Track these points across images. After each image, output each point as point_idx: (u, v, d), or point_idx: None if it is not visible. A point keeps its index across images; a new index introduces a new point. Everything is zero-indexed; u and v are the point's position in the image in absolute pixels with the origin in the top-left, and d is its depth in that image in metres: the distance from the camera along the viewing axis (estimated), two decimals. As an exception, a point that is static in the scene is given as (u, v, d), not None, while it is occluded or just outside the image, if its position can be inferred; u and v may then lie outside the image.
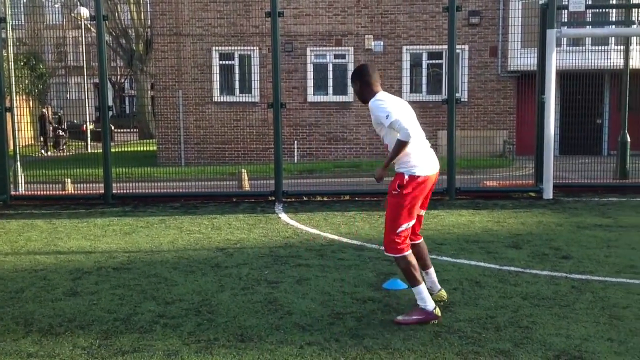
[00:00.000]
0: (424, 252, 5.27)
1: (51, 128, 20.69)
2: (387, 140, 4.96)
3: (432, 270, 5.30)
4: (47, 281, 6.17)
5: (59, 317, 5.08)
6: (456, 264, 6.60)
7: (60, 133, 20.73)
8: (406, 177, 4.81)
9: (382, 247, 5.00)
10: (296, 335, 4.60)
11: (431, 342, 4.44)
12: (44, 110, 19.82)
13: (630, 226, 8.55)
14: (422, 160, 4.88)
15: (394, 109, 4.81)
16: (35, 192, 11.98)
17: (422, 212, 5.21)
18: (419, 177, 4.83)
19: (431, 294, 5.05)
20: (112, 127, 17.23)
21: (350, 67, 20.13)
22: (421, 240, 5.28)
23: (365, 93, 5.02)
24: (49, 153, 18.90)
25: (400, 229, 4.82)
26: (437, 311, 4.82)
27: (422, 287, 4.85)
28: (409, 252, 4.86)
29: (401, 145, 4.73)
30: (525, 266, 6.48)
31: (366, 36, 20.47)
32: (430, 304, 4.81)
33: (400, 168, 4.86)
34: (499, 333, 4.60)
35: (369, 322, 4.85)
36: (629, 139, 13.97)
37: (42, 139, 19.27)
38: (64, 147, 20.41)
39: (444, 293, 5.31)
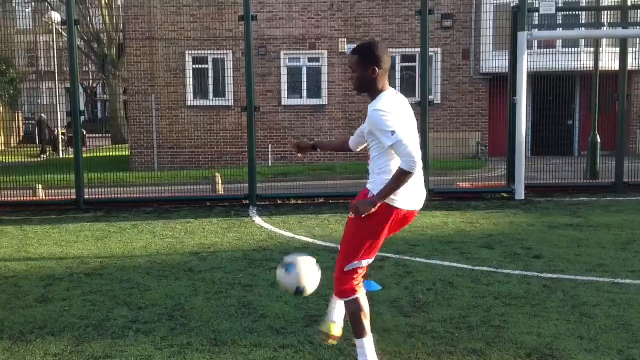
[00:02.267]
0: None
1: (47, 132, 20.56)
2: (374, 153, 3.87)
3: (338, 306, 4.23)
4: (17, 288, 6.10)
5: (30, 324, 5.02)
6: (429, 265, 6.64)
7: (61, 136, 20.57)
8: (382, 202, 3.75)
9: (335, 295, 4.06)
10: (270, 338, 4.59)
11: (404, 342, 4.47)
12: (41, 115, 19.65)
13: (600, 225, 8.67)
14: (408, 189, 3.77)
15: (400, 124, 3.69)
16: (6, 198, 11.82)
17: None
18: (398, 209, 3.81)
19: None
20: (84, 132, 17.07)
21: (325, 70, 20.18)
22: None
23: (370, 84, 3.84)
24: (44, 156, 18.75)
25: (355, 265, 3.88)
26: None
27: (367, 341, 3.93)
28: (361, 294, 3.95)
29: (404, 176, 3.64)
30: (498, 266, 6.54)
31: (340, 39, 20.51)
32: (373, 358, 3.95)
33: (376, 189, 3.77)
34: (471, 332, 4.64)
35: (343, 324, 4.84)
36: (599, 140, 14.17)
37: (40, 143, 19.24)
38: (64, 149, 20.22)
39: (332, 327, 4.20)
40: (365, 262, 3.91)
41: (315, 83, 20.48)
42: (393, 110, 3.73)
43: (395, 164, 3.73)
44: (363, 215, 3.74)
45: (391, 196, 3.74)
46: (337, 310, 4.22)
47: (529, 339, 4.50)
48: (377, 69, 3.79)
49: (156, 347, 4.46)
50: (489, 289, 5.72)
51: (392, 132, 3.63)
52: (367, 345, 3.94)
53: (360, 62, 3.81)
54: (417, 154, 3.62)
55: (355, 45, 3.97)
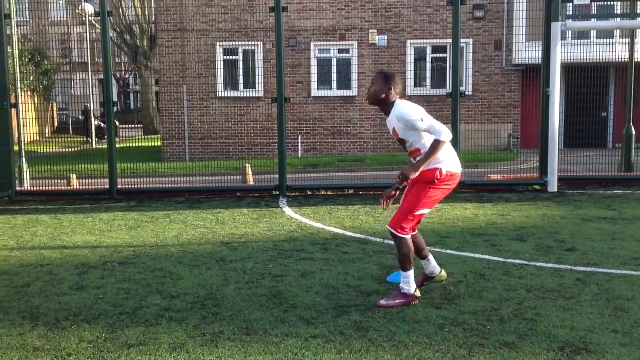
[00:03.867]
0: (423, 242, 5.49)
1: (94, 121, 20.94)
2: (418, 145, 5.04)
3: (431, 257, 5.51)
4: (53, 276, 6.20)
5: (65, 312, 5.10)
6: (461, 257, 6.60)
7: (102, 125, 20.90)
8: (444, 172, 5.02)
9: (388, 226, 5.13)
10: (301, 329, 4.61)
11: (436, 334, 4.45)
12: (86, 105, 19.99)
13: (635, 218, 8.54)
14: (454, 158, 5.13)
15: (423, 113, 4.95)
16: (41, 188, 12.02)
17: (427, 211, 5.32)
18: (454, 173, 5.10)
19: (432, 277, 5.50)
20: (117, 123, 17.29)
21: (355, 62, 20.16)
22: (417, 231, 5.45)
23: (386, 98, 5.12)
24: (93, 144, 19.09)
25: (418, 212, 5.09)
26: (418, 292, 5.12)
27: (411, 273, 5.08)
28: (410, 237, 5.09)
29: (440, 145, 4.85)
30: (530, 259, 6.48)
31: (370, 31, 20.45)
32: (413, 288, 5.08)
33: (436, 165, 5.00)
34: (503, 325, 4.61)
35: (374, 315, 4.85)
36: (634, 132, 13.95)
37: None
38: (102, 140, 20.56)
39: (444, 273, 5.57)
40: (426, 211, 5.18)
41: (346, 74, 20.46)
42: (410, 106, 5.02)
43: (428, 142, 4.96)
44: (411, 177, 4.93)
45: (447, 166, 5.03)
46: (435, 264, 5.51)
47: (562, 332, 4.46)
48: (392, 88, 5.11)
49: (189, 336, 4.51)
50: (521, 282, 5.68)
51: (422, 119, 4.91)
52: (411, 275, 5.08)
53: (381, 80, 5.14)
54: (444, 127, 4.88)
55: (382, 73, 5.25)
